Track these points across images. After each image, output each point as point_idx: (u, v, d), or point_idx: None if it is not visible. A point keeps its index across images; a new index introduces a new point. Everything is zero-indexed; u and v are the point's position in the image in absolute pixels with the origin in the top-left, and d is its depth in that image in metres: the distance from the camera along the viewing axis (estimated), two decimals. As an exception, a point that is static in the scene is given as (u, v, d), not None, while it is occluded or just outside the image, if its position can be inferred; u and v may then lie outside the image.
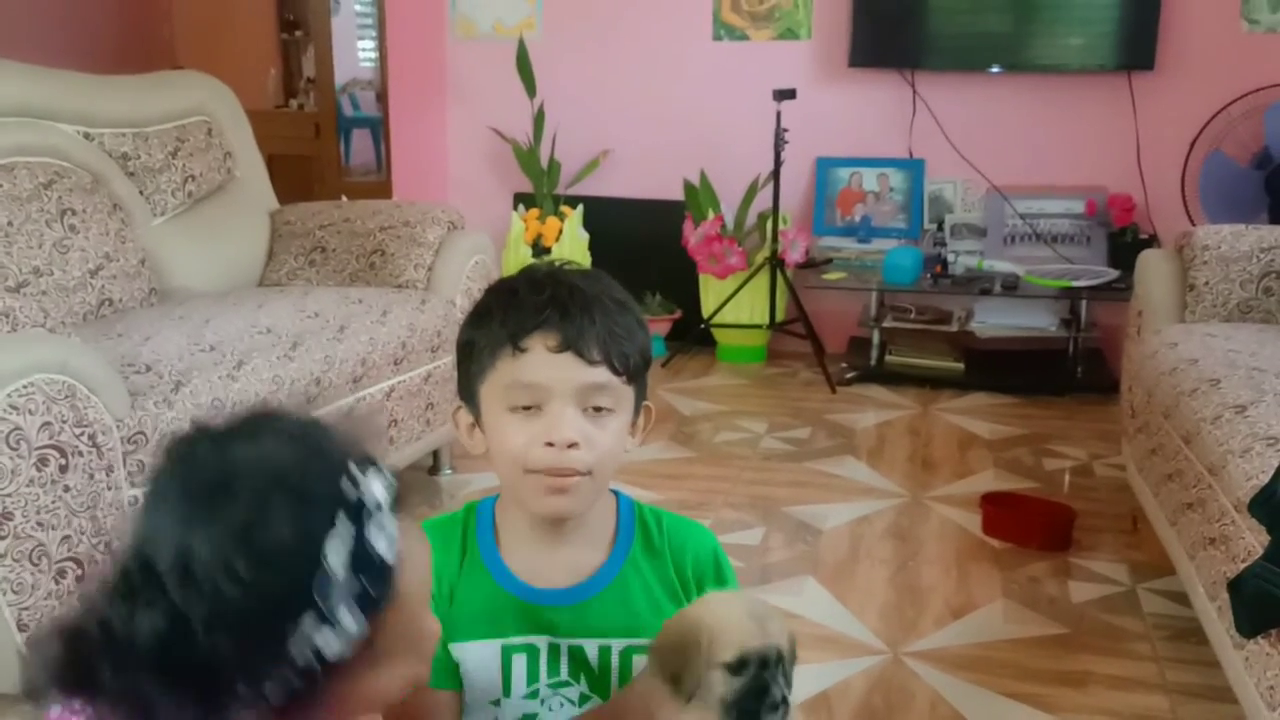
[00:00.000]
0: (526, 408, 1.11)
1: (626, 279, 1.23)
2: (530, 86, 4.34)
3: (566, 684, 1.20)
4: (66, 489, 1.82)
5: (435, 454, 3.09)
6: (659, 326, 4.30)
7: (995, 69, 4.12)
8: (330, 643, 0.77)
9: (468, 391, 1.18)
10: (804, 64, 4.31)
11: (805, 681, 2.04)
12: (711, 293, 4.25)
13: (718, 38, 4.42)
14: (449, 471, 3.12)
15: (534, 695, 1.19)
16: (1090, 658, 2.15)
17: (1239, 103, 3.89)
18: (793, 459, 3.27)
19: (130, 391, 2.00)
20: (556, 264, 1.20)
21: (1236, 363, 2.24)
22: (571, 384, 1.11)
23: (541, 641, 1.18)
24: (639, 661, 1.18)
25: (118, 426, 1.94)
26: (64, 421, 1.82)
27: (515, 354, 1.11)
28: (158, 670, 0.74)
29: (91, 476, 1.87)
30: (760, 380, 4.15)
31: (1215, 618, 1.86)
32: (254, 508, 0.76)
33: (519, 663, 1.18)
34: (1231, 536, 1.81)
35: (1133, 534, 2.71)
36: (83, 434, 1.86)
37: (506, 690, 1.18)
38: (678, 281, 4.33)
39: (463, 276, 3.02)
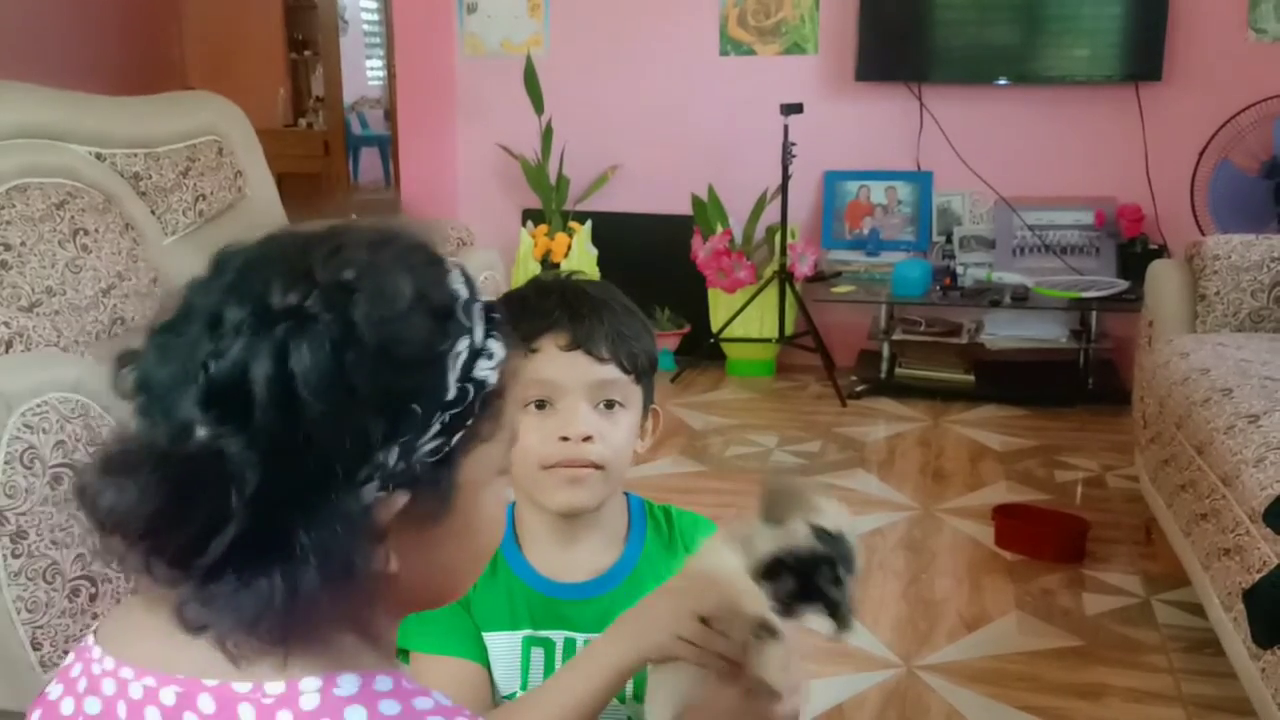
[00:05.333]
0: (540, 406, 1.14)
1: (635, 294, 1.25)
2: (538, 103, 4.36)
3: None
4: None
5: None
6: (668, 341, 4.30)
7: (1002, 81, 4.12)
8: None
9: None
10: (811, 78, 4.32)
11: (819, 695, 2.04)
12: (721, 307, 4.25)
13: (725, 53, 4.43)
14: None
15: None
16: (1106, 670, 2.14)
17: (1247, 112, 3.88)
18: (804, 472, 3.27)
19: (143, 410, 2.01)
20: (563, 274, 1.24)
21: (1249, 372, 2.24)
22: (583, 380, 1.14)
23: (558, 636, 1.19)
24: None
25: (130, 445, 1.94)
26: (77, 440, 1.82)
27: (527, 354, 1.14)
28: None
29: (104, 495, 1.88)
30: (770, 394, 4.14)
31: (1231, 629, 1.85)
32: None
33: (537, 656, 1.20)
34: (1246, 547, 1.80)
35: (1147, 545, 2.70)
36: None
37: (524, 683, 1.19)
38: (687, 296, 4.33)
39: (472, 293, 3.03)
